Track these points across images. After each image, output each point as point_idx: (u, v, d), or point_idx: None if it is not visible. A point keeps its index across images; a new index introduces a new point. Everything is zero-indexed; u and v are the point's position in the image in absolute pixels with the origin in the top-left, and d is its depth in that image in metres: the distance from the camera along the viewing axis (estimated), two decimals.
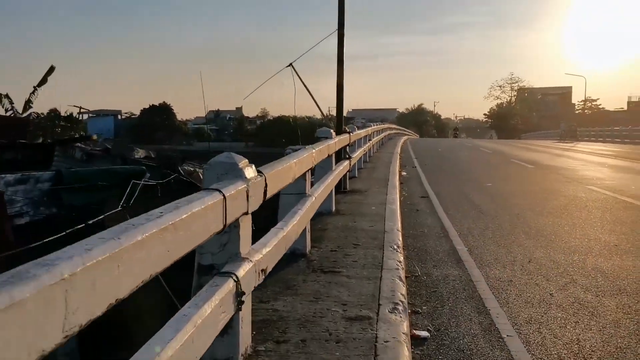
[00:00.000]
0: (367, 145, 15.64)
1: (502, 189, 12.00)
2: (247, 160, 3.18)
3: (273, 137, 75.80)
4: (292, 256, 5.04)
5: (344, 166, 8.80)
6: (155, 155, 9.13)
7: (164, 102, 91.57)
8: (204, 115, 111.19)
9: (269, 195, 3.47)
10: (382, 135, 26.35)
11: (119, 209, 6.37)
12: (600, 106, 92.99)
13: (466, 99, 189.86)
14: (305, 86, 9.31)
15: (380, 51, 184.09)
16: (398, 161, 17.46)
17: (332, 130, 7.72)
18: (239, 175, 2.92)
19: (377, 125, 23.09)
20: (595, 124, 69.09)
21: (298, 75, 9.28)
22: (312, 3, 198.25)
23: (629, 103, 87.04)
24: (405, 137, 43.46)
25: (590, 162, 19.90)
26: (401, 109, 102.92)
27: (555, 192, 11.48)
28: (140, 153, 8.81)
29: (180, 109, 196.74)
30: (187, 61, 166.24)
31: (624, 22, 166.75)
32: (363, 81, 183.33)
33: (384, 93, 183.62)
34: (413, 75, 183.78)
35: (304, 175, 5.11)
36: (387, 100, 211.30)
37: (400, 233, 6.65)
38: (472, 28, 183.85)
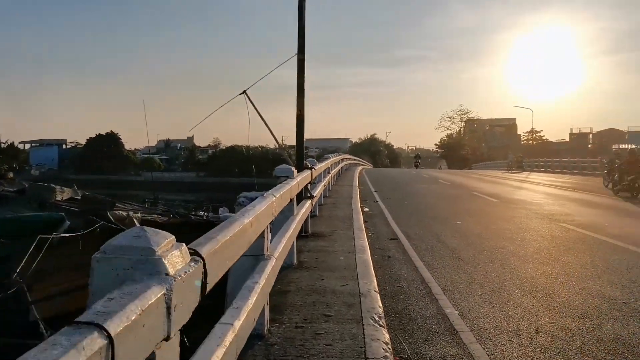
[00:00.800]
0: (327, 178, 14.53)
1: (474, 228, 11.04)
2: (172, 237, 1.89)
3: (225, 167, 74.19)
4: None
5: (306, 208, 7.60)
6: (82, 196, 7.62)
7: (111, 131, 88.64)
8: (153, 144, 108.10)
9: (212, 284, 2.20)
10: (340, 166, 25.40)
11: (14, 277, 4.89)
12: (544, 137, 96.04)
13: (417, 129, 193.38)
14: (259, 114, 8.14)
15: (332, 82, 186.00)
16: (358, 195, 16.41)
17: (293, 168, 6.52)
18: (155, 270, 1.66)
19: (335, 156, 22.10)
20: (540, 154, 70.97)
21: (252, 103, 8.10)
22: (269, 31, 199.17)
23: (570, 134, 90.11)
24: (360, 167, 42.80)
25: (550, 194, 19.44)
26: (354, 138, 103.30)
27: (531, 231, 10.61)
28: (65, 194, 7.33)
29: (129, 138, 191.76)
30: (137, 88, 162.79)
31: (563, 58, 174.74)
32: (316, 111, 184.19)
33: (337, 123, 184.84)
34: (365, 106, 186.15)
35: (262, 232, 3.86)
36: (339, 130, 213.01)
37: (378, 295, 5.43)
38: (421, 62, 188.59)
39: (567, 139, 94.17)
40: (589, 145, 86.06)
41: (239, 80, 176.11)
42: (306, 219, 8.48)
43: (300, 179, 6.81)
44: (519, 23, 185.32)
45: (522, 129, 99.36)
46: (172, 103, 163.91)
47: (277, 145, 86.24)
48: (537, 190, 21.38)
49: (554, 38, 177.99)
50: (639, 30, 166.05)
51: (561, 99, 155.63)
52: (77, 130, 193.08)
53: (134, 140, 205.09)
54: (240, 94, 8.21)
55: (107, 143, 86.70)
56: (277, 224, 6.00)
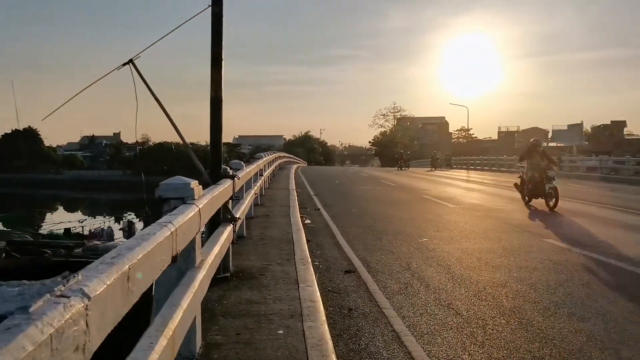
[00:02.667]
0: (258, 183, 11.59)
1: (448, 248, 8.47)
2: None
3: (153, 164, 69.19)
4: None
5: (222, 242, 4.66)
6: None
7: (29, 126, 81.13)
8: (76, 140, 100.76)
9: None
10: (274, 166, 22.45)
11: None
12: (473, 135, 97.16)
13: (351, 127, 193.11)
14: (149, 89, 5.11)
15: (265, 79, 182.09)
16: (297, 202, 13.57)
17: (192, 185, 3.56)
18: None
19: (269, 154, 19.14)
20: (470, 152, 71.20)
21: (140, 75, 5.07)
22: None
23: (499, 133, 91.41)
24: (295, 166, 40.01)
25: (503, 197, 17.41)
26: (288, 136, 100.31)
27: (519, 251, 8.17)
28: None
29: (51, 134, 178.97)
30: (59, 80, 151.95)
31: (489, 59, 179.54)
32: (248, 108, 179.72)
33: (270, 120, 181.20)
34: (298, 104, 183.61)
35: None
36: (273, 127, 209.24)
37: None
38: (353, 61, 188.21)
39: (495, 136, 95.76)
40: (516, 144, 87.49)
41: (160, 76, 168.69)
42: (227, 252, 5.56)
43: (210, 199, 3.89)
44: (448, 25, 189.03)
45: (455, 126, 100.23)
46: (98, 97, 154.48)
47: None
48: (488, 192, 19.35)
49: (481, 40, 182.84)
50: (557, 34, 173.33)
51: (488, 99, 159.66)
52: None
53: (57, 136, 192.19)
54: (125, 63, 5.13)
55: (25, 139, 79.21)
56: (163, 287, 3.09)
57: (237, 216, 5.85)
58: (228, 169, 5.70)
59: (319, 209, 13.42)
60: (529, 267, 7.21)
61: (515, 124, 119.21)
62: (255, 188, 10.48)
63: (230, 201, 5.58)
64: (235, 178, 5.60)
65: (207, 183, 5.47)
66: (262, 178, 13.81)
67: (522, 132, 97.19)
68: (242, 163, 8.02)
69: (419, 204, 14.95)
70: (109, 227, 16.27)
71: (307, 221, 11.08)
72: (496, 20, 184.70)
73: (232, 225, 5.45)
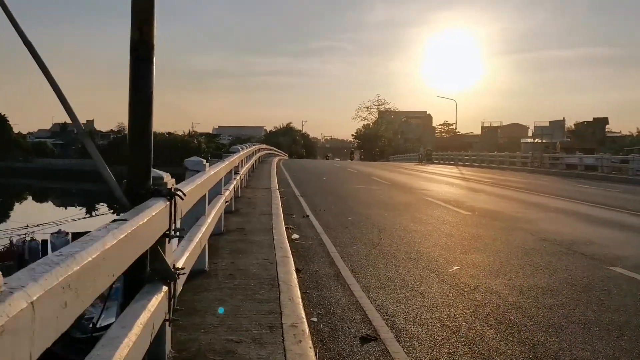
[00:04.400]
0: (232, 185, 8.93)
1: (495, 285, 5.92)
2: None
3: (127, 154, 65.64)
4: None
5: (136, 333, 1.99)
6: None
7: None
8: (47, 127, 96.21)
9: None
10: (254, 159, 19.75)
11: None
12: (456, 130, 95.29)
13: (333, 119, 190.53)
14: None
15: (247, 70, 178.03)
16: (281, 207, 10.92)
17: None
18: None
19: (248, 147, 16.43)
20: (453, 147, 69.24)
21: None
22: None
23: (482, 128, 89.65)
24: (277, 159, 37.32)
25: (515, 200, 15.02)
26: (269, 127, 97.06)
27: (600, 293, 5.68)
28: None
29: (22, 121, 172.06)
30: (30, 64, 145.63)
31: (471, 55, 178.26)
32: (229, 98, 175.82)
33: (251, 111, 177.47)
34: (280, 95, 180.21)
35: None
36: (254, 118, 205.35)
37: None
38: (336, 53, 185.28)
39: (476, 131, 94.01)
40: (499, 140, 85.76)
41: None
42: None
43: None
44: (431, 20, 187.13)
45: (438, 121, 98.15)
46: (71, 82, 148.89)
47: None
48: (493, 193, 16.93)
49: (463, 36, 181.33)
50: (537, 31, 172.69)
51: (469, 94, 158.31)
52: None
53: (28, 123, 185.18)
54: None
55: None
56: None
57: (181, 266, 3.21)
58: (167, 179, 3.03)
59: (307, 216, 10.78)
60: (605, 307, 4.73)
61: (496, 119, 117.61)
62: (227, 194, 7.81)
63: (168, 240, 2.95)
64: (175, 197, 2.95)
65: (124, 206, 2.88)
66: (239, 176, 11.13)
67: (502, 127, 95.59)
68: (204, 162, 5.32)
69: (425, 209, 12.41)
70: (34, 240, 12.86)
71: (295, 236, 8.45)
72: (478, 17, 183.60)
73: (167, 288, 2.81)
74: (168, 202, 2.91)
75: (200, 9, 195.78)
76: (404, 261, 7.05)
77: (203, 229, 4.65)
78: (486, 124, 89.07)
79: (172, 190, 2.98)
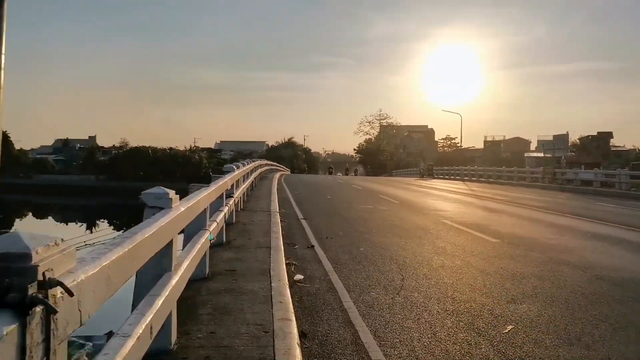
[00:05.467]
0: (223, 213, 7.28)
1: None
2: None
3: (129, 170, 64.13)
4: None
5: None
6: None
7: None
8: (49, 144, 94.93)
9: None
10: (254, 176, 18.12)
11: None
12: (458, 144, 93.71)
13: (334, 134, 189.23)
14: None
15: (249, 85, 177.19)
16: (281, 237, 9.23)
17: None
18: None
19: (246, 164, 14.82)
20: (456, 161, 67.57)
21: None
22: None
23: (485, 142, 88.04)
24: (278, 174, 35.72)
25: (541, 222, 13.34)
26: (270, 141, 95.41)
27: None
28: None
29: (23, 137, 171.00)
30: (32, 81, 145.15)
31: (471, 69, 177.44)
32: (231, 113, 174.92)
33: (253, 126, 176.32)
34: (281, 110, 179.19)
35: None
36: (255, 133, 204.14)
37: None
38: (337, 68, 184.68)
39: (478, 145, 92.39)
40: (503, 154, 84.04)
41: (143, 80, 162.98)
42: None
43: None
44: (430, 35, 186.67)
45: (440, 135, 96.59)
46: (74, 99, 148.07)
47: (187, 147, 76.27)
48: (520, 216, 15.23)
49: (462, 51, 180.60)
50: (536, 46, 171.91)
51: (470, 108, 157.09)
52: None
53: (30, 139, 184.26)
54: None
55: None
56: None
57: None
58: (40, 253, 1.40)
59: (312, 247, 9.10)
60: None
61: (497, 133, 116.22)
62: (213, 227, 6.16)
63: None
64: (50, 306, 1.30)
65: None
66: (233, 200, 9.47)
67: (505, 141, 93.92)
68: (169, 194, 3.67)
69: (445, 236, 10.72)
70: None
71: (298, 277, 6.77)
72: (477, 33, 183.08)
73: None
74: (16, 326, 1.26)
75: (202, 24, 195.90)
76: (440, 316, 5.36)
77: (159, 302, 2.97)
78: (489, 138, 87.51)
79: (35, 296, 1.32)
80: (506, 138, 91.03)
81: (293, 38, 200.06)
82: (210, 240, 5.75)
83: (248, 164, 16.05)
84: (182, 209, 3.82)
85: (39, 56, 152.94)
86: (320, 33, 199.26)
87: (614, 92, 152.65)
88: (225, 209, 7.72)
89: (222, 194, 7.89)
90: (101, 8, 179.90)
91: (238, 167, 11.43)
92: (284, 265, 6.89)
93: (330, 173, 50.82)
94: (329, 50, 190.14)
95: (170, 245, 3.64)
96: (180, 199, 6.19)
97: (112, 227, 37.31)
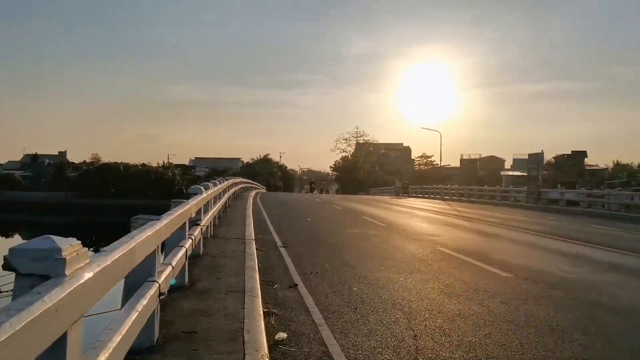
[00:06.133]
0: (184, 250, 5.60)
1: None
2: None
3: (100, 186, 61.37)
4: None
5: None
6: None
7: None
8: (18, 159, 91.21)
9: None
10: (227, 196, 16.42)
11: None
12: (434, 162, 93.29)
13: (310, 151, 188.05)
14: None
15: (222, 100, 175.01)
16: (257, 273, 7.56)
17: None
18: None
19: (218, 184, 13.15)
20: (433, 180, 66.80)
21: None
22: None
23: (461, 160, 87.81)
24: (254, 192, 33.99)
25: (547, 250, 11.96)
26: (245, 158, 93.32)
27: None
28: None
29: None
30: (1, 94, 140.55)
31: (446, 88, 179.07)
32: (205, 129, 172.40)
33: (228, 143, 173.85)
34: (257, 126, 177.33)
35: None
36: (231, 149, 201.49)
37: None
38: (313, 85, 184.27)
39: (453, 164, 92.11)
40: (479, 172, 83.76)
41: (116, 95, 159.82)
42: None
43: None
44: (406, 53, 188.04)
45: (417, 153, 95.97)
46: (45, 114, 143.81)
47: (161, 164, 73.53)
48: (516, 240, 13.84)
49: (438, 69, 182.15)
50: (507, 67, 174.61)
51: (445, 126, 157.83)
52: None
53: None
54: None
55: None
56: None
57: None
58: None
59: (295, 285, 7.43)
60: None
61: (472, 151, 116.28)
62: (168, 272, 4.49)
63: None
64: None
65: None
66: (199, 229, 7.77)
67: (480, 159, 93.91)
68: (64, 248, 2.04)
69: (449, 269, 9.17)
70: None
71: (281, 335, 5.10)
72: (452, 52, 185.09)
73: None
74: None
75: (178, 40, 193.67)
76: None
77: None
78: (465, 156, 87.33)
79: None
80: (481, 156, 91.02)
81: (269, 55, 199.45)
82: (164, 292, 4.09)
83: (221, 182, 14.35)
84: (87, 276, 2.16)
85: (10, 68, 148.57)
86: (297, 50, 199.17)
87: (585, 113, 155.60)
88: (188, 243, 6.03)
89: (185, 222, 6.21)
90: (74, 20, 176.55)
91: (207, 188, 9.74)
92: (262, 320, 5.22)
93: (312, 190, 49.04)
94: (306, 68, 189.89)
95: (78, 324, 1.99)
96: (153, 218, 4.52)
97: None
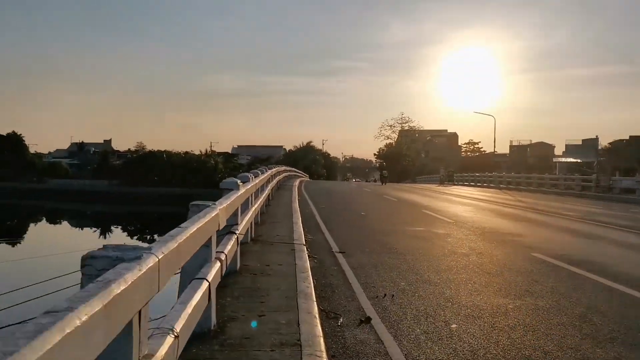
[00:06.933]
0: (202, 289, 3.37)
1: None
2: None
3: (143, 174, 60.73)
4: None
5: None
6: None
7: (13, 131, 72.86)
8: (65, 147, 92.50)
9: None
10: (270, 188, 14.36)
11: None
12: (481, 149, 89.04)
13: (353, 138, 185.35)
14: None
15: (266, 89, 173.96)
16: (314, 303, 5.37)
17: None
18: None
19: (261, 173, 11.05)
20: (480, 167, 63.15)
21: None
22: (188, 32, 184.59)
23: (510, 147, 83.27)
24: (297, 181, 31.96)
25: None
26: (288, 146, 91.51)
27: None
28: None
29: (41, 141, 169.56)
30: (51, 84, 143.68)
31: (491, 73, 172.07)
32: (248, 118, 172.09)
33: (270, 131, 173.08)
34: (299, 114, 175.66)
35: None
36: (273, 137, 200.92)
37: None
38: (355, 73, 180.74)
39: (499, 150, 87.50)
40: (529, 159, 79.16)
41: (160, 85, 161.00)
42: None
43: None
44: (449, 38, 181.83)
45: (463, 139, 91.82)
46: (93, 103, 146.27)
47: (203, 152, 72.24)
48: (608, 239, 11.16)
49: (482, 54, 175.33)
50: (558, 50, 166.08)
51: (490, 112, 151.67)
52: None
53: (47, 142, 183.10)
54: None
55: (8, 146, 70.82)
56: None
57: None
58: None
59: (368, 320, 5.21)
60: None
61: (521, 137, 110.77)
62: (183, 322, 2.33)
63: None
64: None
65: None
66: (235, 237, 5.64)
67: (530, 146, 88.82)
68: None
69: (565, 287, 6.74)
70: None
71: None
72: (497, 36, 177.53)
73: None
74: None
75: (220, 29, 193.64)
76: None
77: None
78: (514, 143, 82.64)
79: None
80: (532, 142, 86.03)
81: (310, 42, 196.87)
82: None
83: (263, 172, 12.25)
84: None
85: (60, 60, 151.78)
86: (338, 37, 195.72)
87: (634, 98, 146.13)
88: (213, 271, 3.88)
89: (210, 238, 4.08)
90: (119, 14, 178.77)
91: (247, 181, 7.60)
92: None
93: (384, 180, 44.82)
94: (347, 55, 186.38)
95: None
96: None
97: (125, 233, 34.43)
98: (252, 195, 8.31)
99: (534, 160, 77.93)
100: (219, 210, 4.10)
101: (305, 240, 9.44)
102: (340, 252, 8.84)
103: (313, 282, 6.21)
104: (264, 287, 5.59)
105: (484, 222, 14.19)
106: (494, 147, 55.57)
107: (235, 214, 6.09)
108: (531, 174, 42.21)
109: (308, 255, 7.94)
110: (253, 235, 8.76)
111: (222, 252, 4.55)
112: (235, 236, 5.60)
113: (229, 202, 4.91)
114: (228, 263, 4.92)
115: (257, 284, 5.75)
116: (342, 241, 10.04)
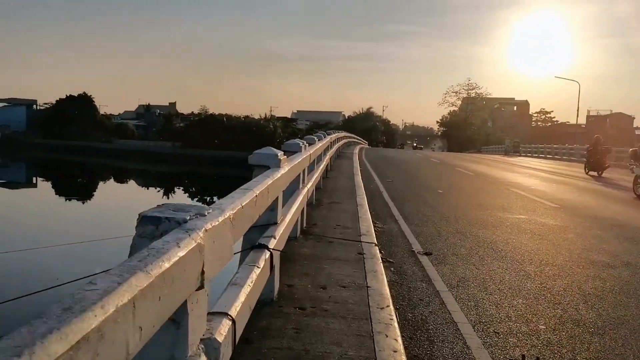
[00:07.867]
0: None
1: None
2: None
3: (204, 137, 59.94)
4: None
5: None
6: None
7: (84, 92, 74.06)
8: (132, 109, 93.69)
9: None
10: (329, 155, 11.85)
11: None
12: (554, 119, 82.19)
13: (413, 105, 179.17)
14: None
15: (323, 54, 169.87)
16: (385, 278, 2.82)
17: None
18: None
19: (317, 140, 8.50)
20: (552, 138, 57.73)
21: None
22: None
23: (587, 117, 76.24)
24: (357, 149, 29.28)
25: None
26: (347, 112, 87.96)
27: None
28: None
29: (110, 102, 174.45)
30: (121, 49, 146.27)
31: (562, 39, 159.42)
32: (307, 83, 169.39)
33: (329, 96, 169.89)
34: (359, 80, 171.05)
35: None
36: (332, 102, 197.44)
37: None
38: (417, 37, 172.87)
39: (572, 120, 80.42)
40: (609, 131, 72.16)
41: (224, 49, 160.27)
42: None
43: None
44: (517, 1, 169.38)
45: (535, 107, 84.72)
46: (160, 67, 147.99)
47: (263, 116, 70.34)
48: None
49: (554, 18, 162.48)
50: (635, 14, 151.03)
51: (562, 80, 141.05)
52: (54, 91, 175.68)
53: (116, 104, 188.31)
54: None
55: (79, 106, 72.15)
56: None
57: None
58: None
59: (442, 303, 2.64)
60: None
61: (598, 107, 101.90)
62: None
63: None
64: None
65: None
66: (313, 180, 3.16)
67: (604, 117, 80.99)
68: None
69: None
70: None
71: None
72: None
73: None
74: None
75: None
76: None
77: None
78: (592, 113, 75.49)
79: None
80: (612, 112, 78.35)
81: (371, 6, 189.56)
82: None
83: (321, 139, 9.72)
84: None
85: (130, 25, 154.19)
86: (398, 1, 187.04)
87: None
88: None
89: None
90: None
91: (312, 143, 5.08)
92: None
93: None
94: (409, 19, 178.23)
95: None
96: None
97: (187, 194, 34.58)
98: (304, 170, 5.78)
99: (614, 132, 70.96)
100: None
101: (375, 231, 6.88)
102: (424, 254, 6.20)
103: (398, 326, 3.66)
104: (315, 352, 3.05)
105: (593, 207, 11.04)
106: (577, 116, 49.81)
107: (275, 203, 3.65)
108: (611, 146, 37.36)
109: (381, 258, 5.41)
110: (304, 226, 6.24)
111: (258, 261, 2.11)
112: (283, 225, 3.14)
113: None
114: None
115: (303, 338, 3.21)
116: (423, 234, 7.37)
